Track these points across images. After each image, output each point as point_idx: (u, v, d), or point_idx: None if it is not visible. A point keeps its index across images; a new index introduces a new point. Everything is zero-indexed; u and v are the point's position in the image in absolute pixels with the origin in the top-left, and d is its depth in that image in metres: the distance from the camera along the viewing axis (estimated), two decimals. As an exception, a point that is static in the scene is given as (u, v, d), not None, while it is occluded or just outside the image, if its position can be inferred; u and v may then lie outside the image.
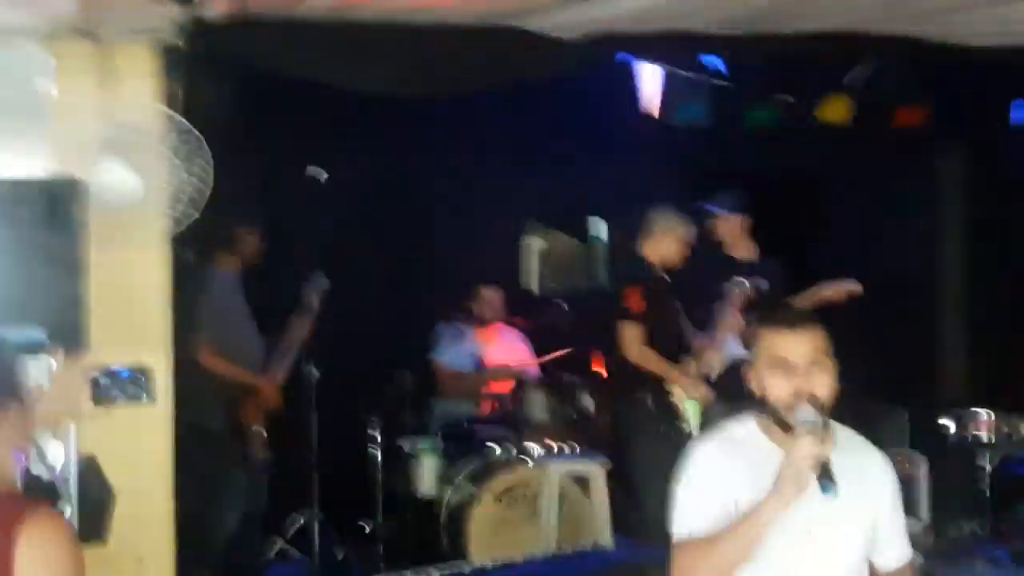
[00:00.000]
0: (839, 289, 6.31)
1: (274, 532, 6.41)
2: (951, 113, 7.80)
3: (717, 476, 2.82)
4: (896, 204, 8.70)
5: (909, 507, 7.50)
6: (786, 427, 2.79)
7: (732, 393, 6.28)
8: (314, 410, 6.45)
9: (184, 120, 4.00)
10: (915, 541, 7.35)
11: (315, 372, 6.35)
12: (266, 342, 6.02)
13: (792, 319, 2.85)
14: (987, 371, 8.23)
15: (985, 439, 7.28)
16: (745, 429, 2.91)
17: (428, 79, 5.04)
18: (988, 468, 7.32)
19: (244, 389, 5.67)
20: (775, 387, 2.79)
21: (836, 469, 2.73)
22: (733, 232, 6.62)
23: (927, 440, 7.66)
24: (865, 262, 8.26)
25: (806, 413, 2.70)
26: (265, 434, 5.72)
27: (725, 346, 6.33)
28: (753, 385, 2.87)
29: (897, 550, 3.01)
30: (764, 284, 6.45)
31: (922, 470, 7.47)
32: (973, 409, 7.36)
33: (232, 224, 5.78)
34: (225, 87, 4.96)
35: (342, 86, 4.94)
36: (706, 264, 6.73)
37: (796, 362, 2.77)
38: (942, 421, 7.52)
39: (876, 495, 2.93)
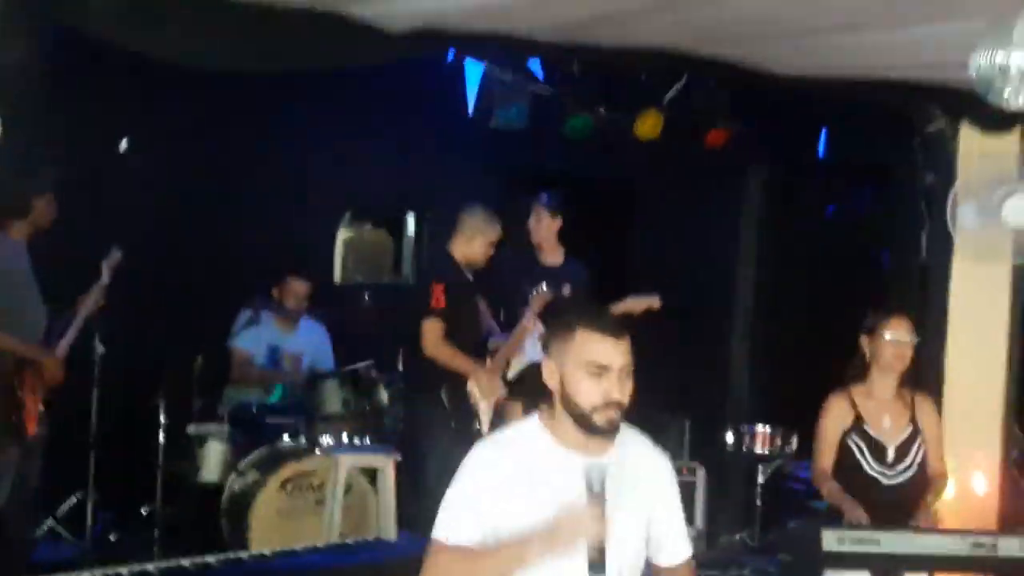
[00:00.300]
0: (641, 303, 6.46)
1: (45, 510, 6.18)
2: (758, 138, 8.10)
3: (488, 482, 2.83)
4: (700, 222, 8.98)
5: (685, 515, 7.78)
6: (589, 429, 2.83)
7: (528, 395, 6.38)
8: (96, 387, 6.24)
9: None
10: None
11: (101, 348, 6.15)
12: (52, 313, 5.77)
13: (613, 325, 2.88)
14: (768, 390, 8.57)
15: (760, 452, 7.58)
16: (528, 429, 2.93)
17: (247, 57, 4.92)
18: (761, 480, 7.64)
19: (23, 360, 5.42)
20: (587, 391, 2.82)
21: (617, 469, 2.83)
22: (544, 234, 6.71)
23: (707, 452, 7.94)
24: (667, 275, 8.51)
25: (596, 476, 2.72)
26: (43, 408, 5.47)
27: (523, 348, 6.41)
28: (555, 384, 2.87)
29: (675, 548, 3.07)
30: (567, 288, 6.57)
31: (700, 480, 7.74)
32: (752, 425, 7.67)
33: (24, 188, 5.51)
34: (34, 47, 4.74)
35: (156, 56, 4.79)
36: (514, 265, 6.80)
37: (611, 368, 2.81)
38: (727, 435, 7.81)
39: (654, 495, 3.00)
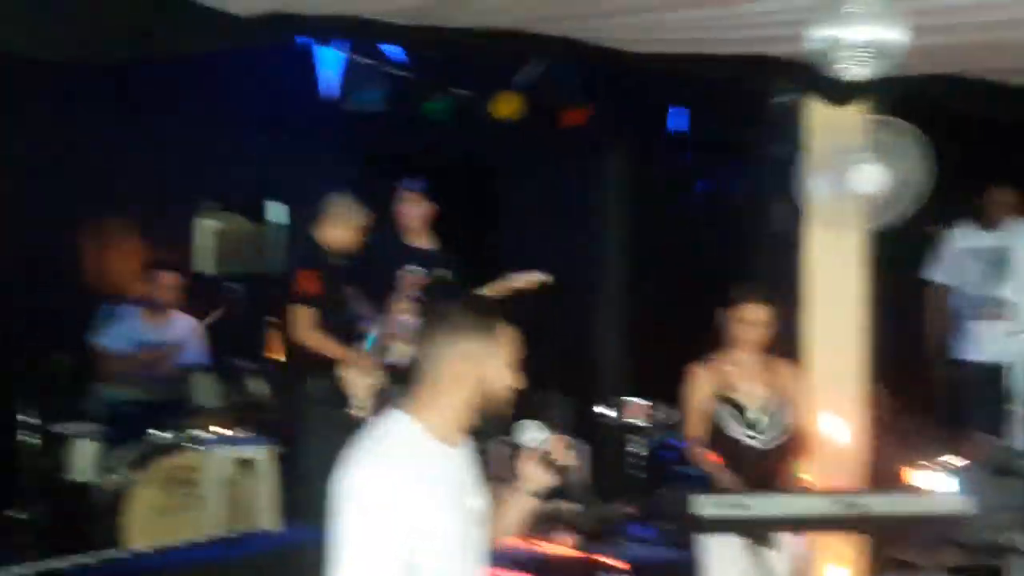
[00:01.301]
0: (529, 279, 6.46)
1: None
2: (613, 115, 8.24)
3: (390, 511, 2.66)
4: (563, 200, 9.09)
5: (570, 491, 7.90)
6: (494, 427, 2.95)
7: (407, 377, 6.39)
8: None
9: None
10: (573, 522, 7.75)
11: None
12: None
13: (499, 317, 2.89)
14: (642, 362, 8.75)
15: (640, 425, 7.75)
16: (404, 427, 2.81)
17: (85, 44, 4.81)
18: (643, 453, 7.81)
19: None
20: (505, 381, 2.84)
21: (470, 456, 2.94)
22: (414, 217, 6.68)
23: (587, 427, 8.08)
24: (535, 254, 8.59)
25: (534, 431, 2.83)
26: None
27: (402, 330, 6.42)
28: (469, 376, 2.81)
29: None
30: (440, 272, 6.60)
31: (583, 456, 7.86)
32: (629, 398, 7.83)
33: None
34: None
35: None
36: (383, 250, 6.79)
37: (516, 357, 2.86)
38: (601, 409, 7.95)
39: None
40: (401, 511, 2.66)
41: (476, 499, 2.92)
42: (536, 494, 2.94)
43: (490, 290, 6.33)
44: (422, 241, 6.74)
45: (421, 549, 2.69)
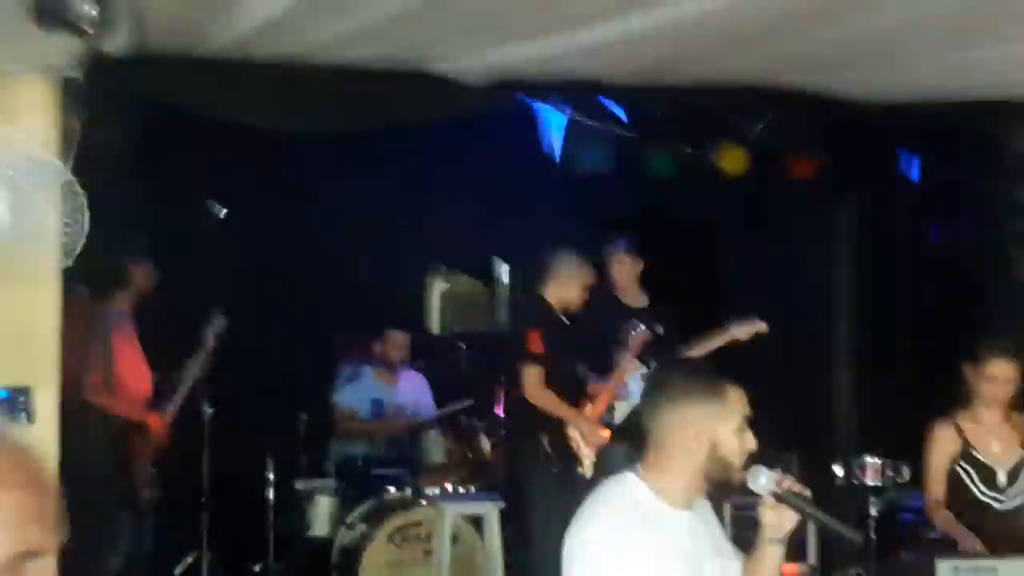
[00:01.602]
0: (747, 328, 6.38)
1: (162, 572, 6.29)
2: (844, 166, 8.01)
3: (618, 561, 2.70)
4: (793, 254, 8.89)
5: (798, 552, 7.68)
6: (725, 484, 2.83)
7: (633, 438, 6.35)
8: (206, 448, 6.38)
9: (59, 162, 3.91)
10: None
11: (208, 410, 6.30)
12: (159, 379, 5.92)
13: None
14: (876, 419, 8.42)
15: (871, 484, 7.43)
16: (636, 489, 2.82)
17: (332, 118, 5.04)
18: (874, 513, 7.47)
19: (132, 426, 5.56)
20: (736, 448, 2.80)
21: (703, 520, 2.89)
22: (627, 277, 6.70)
23: (816, 486, 7.79)
24: (760, 311, 8.42)
25: (765, 473, 2.77)
26: (154, 472, 5.60)
27: (629, 391, 6.41)
28: (698, 445, 2.78)
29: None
30: (660, 329, 6.55)
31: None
32: (862, 456, 7.52)
33: (126, 259, 5.68)
34: (124, 121, 4.90)
35: (244, 123, 4.93)
36: (600, 309, 6.80)
37: (747, 419, 2.82)
38: (832, 467, 7.67)
39: (721, 530, 3.04)
40: (628, 570, 2.66)
41: (715, 562, 2.86)
42: (782, 541, 2.84)
43: (711, 340, 6.26)
44: (637, 300, 6.73)
45: None
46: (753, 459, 2.85)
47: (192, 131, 5.89)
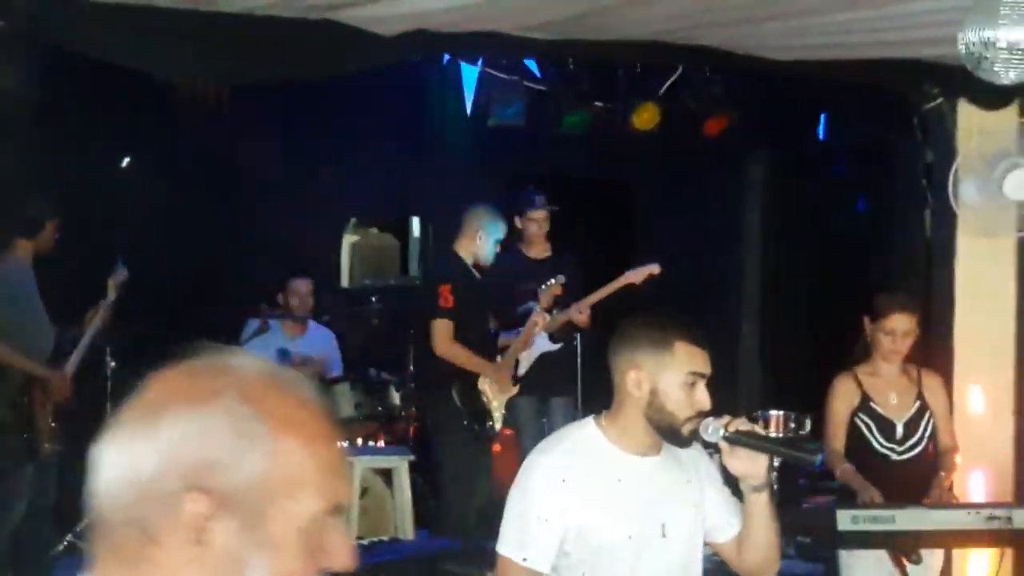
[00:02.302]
0: (641, 272, 6.44)
1: (64, 526, 6.20)
2: (756, 124, 8.11)
3: (559, 497, 2.81)
4: (703, 211, 8.99)
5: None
6: (673, 438, 2.85)
7: (540, 388, 6.39)
8: (109, 401, 6.29)
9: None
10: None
11: (112, 363, 6.21)
12: (60, 332, 5.81)
13: (704, 338, 2.89)
14: (779, 374, 8.59)
15: (774, 435, 7.58)
16: (588, 434, 2.92)
17: (238, 68, 4.95)
18: (776, 465, 7.63)
19: (31, 379, 5.45)
20: (681, 402, 2.81)
21: (667, 467, 2.91)
22: (538, 232, 6.72)
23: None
24: (673, 266, 8.51)
25: (715, 426, 2.77)
26: (56, 426, 5.50)
27: (531, 342, 6.44)
28: (642, 393, 2.83)
29: (734, 519, 3.05)
30: (561, 279, 6.59)
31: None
32: (766, 410, 7.67)
33: (26, 209, 5.54)
34: (28, 69, 4.77)
35: (149, 72, 4.82)
36: (506, 262, 6.82)
37: (704, 377, 2.84)
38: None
39: (702, 483, 3.00)
40: (561, 504, 2.80)
41: (674, 509, 2.89)
42: (760, 487, 2.84)
43: (608, 287, 6.33)
44: (541, 252, 6.76)
45: (575, 548, 2.82)
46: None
47: (97, 80, 5.76)
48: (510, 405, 6.32)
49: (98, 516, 1.25)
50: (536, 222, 6.69)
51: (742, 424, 2.79)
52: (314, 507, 1.23)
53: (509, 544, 2.85)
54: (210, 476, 1.20)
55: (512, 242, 6.74)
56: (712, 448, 2.92)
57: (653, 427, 2.85)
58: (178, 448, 1.21)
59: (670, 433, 2.84)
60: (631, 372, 2.85)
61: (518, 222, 6.71)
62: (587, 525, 2.81)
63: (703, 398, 2.82)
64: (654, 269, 6.46)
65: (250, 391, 1.25)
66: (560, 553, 2.83)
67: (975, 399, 5.51)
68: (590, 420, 2.96)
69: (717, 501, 3.03)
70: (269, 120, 7.47)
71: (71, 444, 5.76)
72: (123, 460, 1.24)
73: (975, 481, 5.42)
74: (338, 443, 1.29)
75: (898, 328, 4.57)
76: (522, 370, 6.51)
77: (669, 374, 2.81)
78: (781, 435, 7.54)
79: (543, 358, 6.40)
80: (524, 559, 2.81)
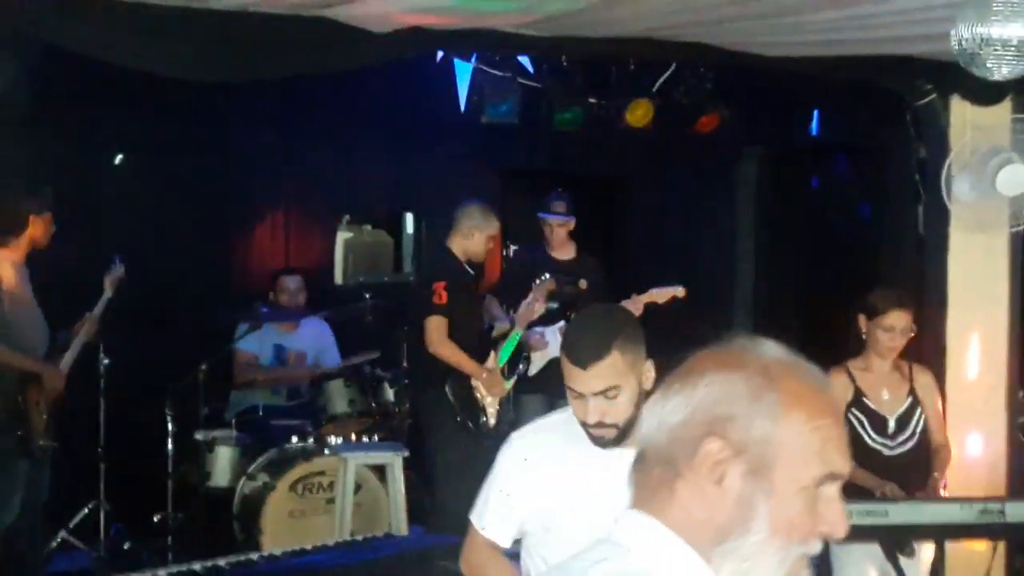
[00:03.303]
0: (666, 292, 6.44)
1: (58, 522, 6.20)
2: (750, 121, 8.12)
3: (521, 479, 2.90)
4: (697, 207, 9.00)
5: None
6: (591, 440, 2.84)
7: (551, 387, 6.39)
8: (103, 398, 6.29)
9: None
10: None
11: (105, 360, 6.21)
12: (54, 328, 5.80)
13: (585, 355, 2.79)
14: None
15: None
16: (562, 420, 2.97)
17: (232, 65, 4.94)
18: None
19: (26, 375, 5.44)
20: (576, 409, 2.85)
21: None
22: (559, 234, 6.79)
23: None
24: (666, 262, 8.53)
25: None
26: (50, 422, 5.50)
27: (547, 343, 6.47)
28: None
29: None
30: (584, 283, 6.65)
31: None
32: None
33: (19, 206, 5.53)
34: (19, 65, 4.77)
35: (143, 69, 4.81)
36: (526, 262, 6.86)
37: (585, 395, 2.80)
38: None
39: None
40: (522, 482, 2.89)
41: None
42: None
43: (631, 303, 6.30)
44: (565, 253, 6.82)
45: (534, 529, 2.89)
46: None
47: (90, 77, 5.75)
48: (518, 403, 6.36)
49: (639, 456, 1.55)
50: (551, 226, 6.79)
51: None
52: (815, 471, 1.46)
53: (475, 512, 3.00)
54: (727, 427, 1.46)
55: (538, 241, 6.81)
56: None
57: None
58: (705, 402, 1.48)
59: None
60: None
61: (541, 223, 6.80)
62: (545, 508, 2.87)
63: (585, 413, 2.80)
64: (679, 291, 6.46)
65: (771, 369, 1.49)
66: (522, 533, 2.93)
67: (969, 393, 5.53)
68: (569, 408, 2.97)
69: None
70: (263, 117, 7.47)
71: (65, 441, 5.76)
72: (664, 411, 1.51)
73: (968, 476, 5.43)
74: (841, 424, 1.51)
75: (897, 325, 4.58)
76: (534, 370, 6.56)
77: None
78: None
79: (556, 360, 6.41)
80: (483, 528, 2.95)
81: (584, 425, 2.83)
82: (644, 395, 2.83)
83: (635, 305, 6.31)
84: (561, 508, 2.85)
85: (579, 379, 2.79)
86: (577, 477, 2.86)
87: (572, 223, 6.83)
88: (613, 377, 2.78)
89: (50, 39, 4.51)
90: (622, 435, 2.82)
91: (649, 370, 2.87)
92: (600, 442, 2.82)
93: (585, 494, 2.83)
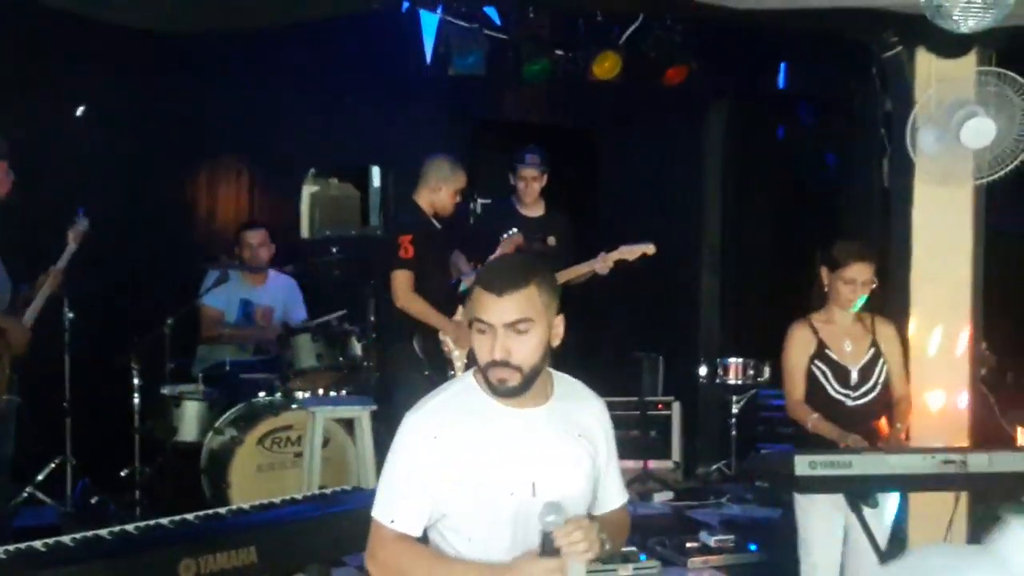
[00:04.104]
0: (636, 249, 6.42)
1: (24, 477, 6.19)
2: (717, 73, 8.10)
3: (426, 457, 2.70)
4: (664, 160, 9.00)
5: (663, 450, 7.91)
6: (491, 389, 2.74)
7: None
8: (67, 353, 6.26)
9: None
10: (666, 481, 7.77)
11: (70, 314, 6.18)
12: (17, 283, 5.75)
13: (501, 281, 2.71)
14: (738, 321, 8.66)
15: (733, 383, 7.70)
16: (463, 386, 2.82)
17: (198, 16, 4.88)
18: (735, 410, 7.75)
19: (-10, 330, 5.40)
20: (477, 348, 2.73)
21: (549, 417, 2.80)
22: (531, 190, 6.75)
23: (682, 386, 8.03)
24: (634, 215, 8.55)
25: (551, 517, 2.56)
26: (12, 376, 5.46)
27: None
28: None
29: (615, 493, 2.99)
30: (552, 239, 6.64)
31: (676, 413, 7.84)
32: (724, 357, 7.77)
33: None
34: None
35: (108, 20, 4.74)
36: (495, 216, 6.83)
37: (494, 326, 2.69)
38: (700, 369, 7.91)
39: (594, 441, 2.89)
40: (433, 461, 2.69)
41: (550, 463, 2.77)
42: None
43: (600, 260, 6.30)
44: (535, 209, 6.79)
45: (453, 507, 2.72)
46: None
47: (52, 27, 5.66)
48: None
49: None
50: (525, 179, 6.73)
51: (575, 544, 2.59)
52: None
53: (379, 507, 2.76)
54: None
55: (507, 195, 6.78)
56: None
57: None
58: None
59: (487, 384, 2.75)
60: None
61: (511, 177, 6.76)
62: (463, 482, 2.69)
63: (490, 347, 2.69)
64: (649, 249, 6.39)
65: None
66: (439, 515, 2.75)
67: (932, 345, 5.58)
68: (470, 373, 2.85)
69: (609, 470, 2.95)
70: (228, 70, 7.39)
71: (30, 395, 5.73)
72: None
73: (930, 427, 5.49)
74: None
75: (858, 277, 4.60)
76: None
77: (470, 319, 2.75)
78: (740, 382, 7.67)
79: None
80: (392, 521, 2.72)
81: (487, 367, 2.70)
82: (550, 351, 2.78)
83: (604, 263, 6.31)
84: (476, 480, 2.70)
85: (492, 308, 2.68)
86: (487, 444, 2.72)
87: (545, 177, 6.80)
88: (528, 309, 2.68)
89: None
90: (524, 384, 2.72)
91: (559, 325, 2.79)
92: (501, 387, 2.70)
93: (498, 460, 2.72)
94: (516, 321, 2.68)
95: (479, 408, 2.77)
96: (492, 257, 6.20)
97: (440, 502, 2.72)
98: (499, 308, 2.68)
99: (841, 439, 4.44)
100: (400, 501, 2.72)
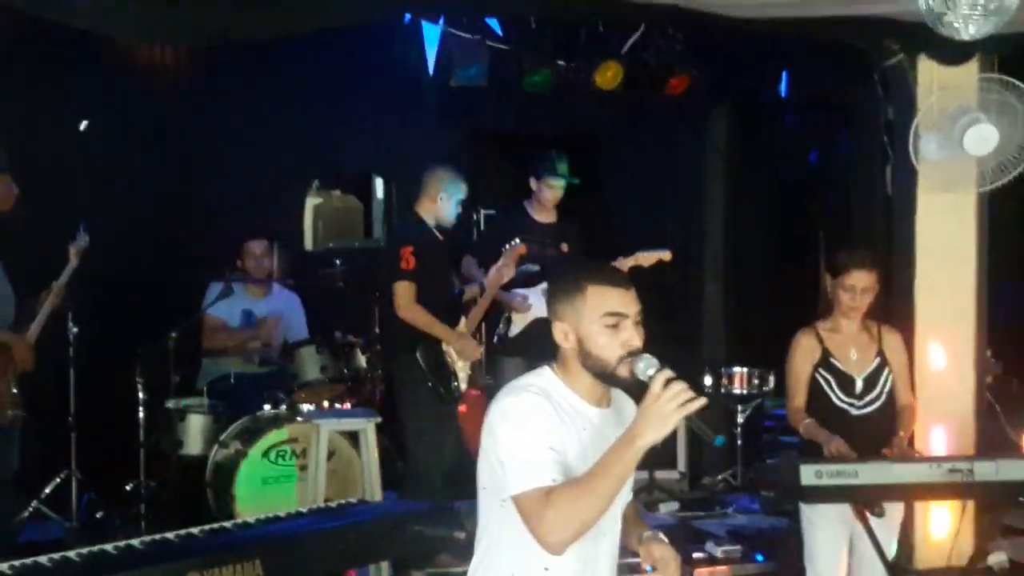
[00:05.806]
0: (652, 255, 6.43)
1: (30, 492, 6.19)
2: (719, 82, 8.11)
3: (548, 425, 2.77)
4: (666, 169, 9.00)
5: (669, 460, 7.89)
6: (611, 382, 2.83)
7: (530, 351, 6.40)
8: (72, 367, 6.26)
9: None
10: (672, 491, 7.74)
11: (74, 329, 6.18)
12: (21, 298, 5.75)
13: (620, 276, 2.88)
14: (743, 330, 8.64)
15: (738, 393, 7.68)
16: (548, 380, 2.90)
17: (202, 29, 4.89)
18: (740, 420, 7.73)
19: (-6, 346, 5.40)
20: (606, 344, 2.80)
21: (615, 416, 2.90)
22: (552, 198, 6.73)
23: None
24: (637, 224, 8.54)
25: (648, 361, 2.71)
26: (18, 392, 5.46)
27: (529, 304, 6.47)
28: (571, 344, 2.85)
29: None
30: (565, 246, 6.64)
31: (681, 424, 7.80)
32: (729, 367, 7.75)
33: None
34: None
35: (107, 34, 4.76)
36: (506, 224, 6.82)
37: (628, 316, 2.80)
38: (701, 377, 7.89)
39: None
40: (545, 428, 2.76)
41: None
42: (644, 444, 2.68)
43: (619, 264, 6.30)
44: (546, 216, 6.78)
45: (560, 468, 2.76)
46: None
47: (53, 42, 5.68)
48: (497, 365, 6.33)
49: None
50: (552, 188, 6.69)
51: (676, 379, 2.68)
52: None
53: (531, 476, 2.72)
54: None
55: (519, 201, 6.76)
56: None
57: (593, 375, 2.85)
58: None
59: (607, 378, 2.83)
60: (556, 324, 2.87)
61: (533, 183, 6.73)
62: (567, 467, 2.77)
63: (628, 337, 2.79)
64: (665, 255, 6.42)
65: None
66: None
67: (936, 354, 5.58)
68: (546, 369, 2.94)
69: None
70: (231, 82, 7.40)
71: (35, 411, 5.73)
72: None
73: (936, 436, 5.50)
74: None
75: (857, 285, 4.60)
76: (514, 332, 6.56)
77: (586, 320, 2.81)
78: (745, 392, 7.65)
79: (537, 322, 6.42)
80: (553, 480, 2.71)
81: (619, 362, 2.76)
82: None
83: (621, 268, 6.31)
84: (564, 467, 2.76)
85: (626, 300, 2.82)
86: (575, 436, 2.82)
87: (560, 187, 6.76)
88: (639, 303, 2.86)
89: (27, 9, 4.43)
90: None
91: None
92: (627, 380, 2.78)
93: (580, 453, 2.80)
94: (639, 311, 2.84)
95: (568, 403, 2.87)
96: (497, 266, 6.19)
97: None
98: (631, 299, 2.83)
99: (827, 442, 4.44)
100: (550, 463, 2.73)
